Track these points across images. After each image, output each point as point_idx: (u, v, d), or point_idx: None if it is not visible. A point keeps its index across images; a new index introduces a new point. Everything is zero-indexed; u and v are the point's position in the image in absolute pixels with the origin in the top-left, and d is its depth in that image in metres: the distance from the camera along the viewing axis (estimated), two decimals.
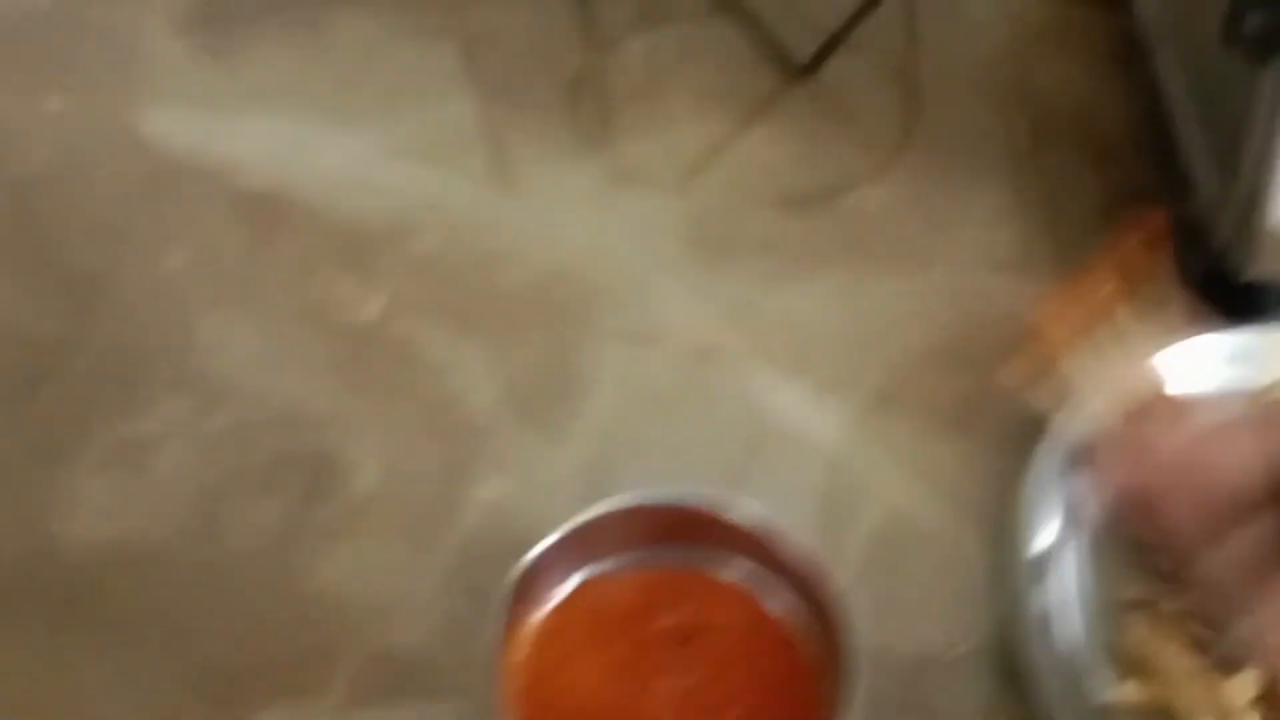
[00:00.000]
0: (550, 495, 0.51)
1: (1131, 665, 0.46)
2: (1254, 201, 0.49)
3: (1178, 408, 0.45)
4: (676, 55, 0.69)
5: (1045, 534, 0.48)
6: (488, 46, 0.70)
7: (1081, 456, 0.48)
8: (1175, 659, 0.46)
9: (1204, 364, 0.50)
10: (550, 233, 0.61)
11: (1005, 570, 0.49)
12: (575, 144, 0.65)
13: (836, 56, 0.68)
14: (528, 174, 0.64)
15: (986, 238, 0.61)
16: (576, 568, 0.46)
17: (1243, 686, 0.45)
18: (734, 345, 0.56)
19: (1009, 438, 0.52)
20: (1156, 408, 0.44)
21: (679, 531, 0.46)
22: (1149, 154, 0.61)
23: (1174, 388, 0.48)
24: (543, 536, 0.45)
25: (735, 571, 0.47)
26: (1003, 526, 0.49)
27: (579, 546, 0.46)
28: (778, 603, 0.46)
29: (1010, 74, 0.68)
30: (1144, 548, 0.47)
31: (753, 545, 0.46)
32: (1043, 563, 0.48)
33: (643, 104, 0.69)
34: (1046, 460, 0.49)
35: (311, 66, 0.69)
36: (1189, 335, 0.50)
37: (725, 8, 0.68)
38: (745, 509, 0.46)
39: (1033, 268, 0.59)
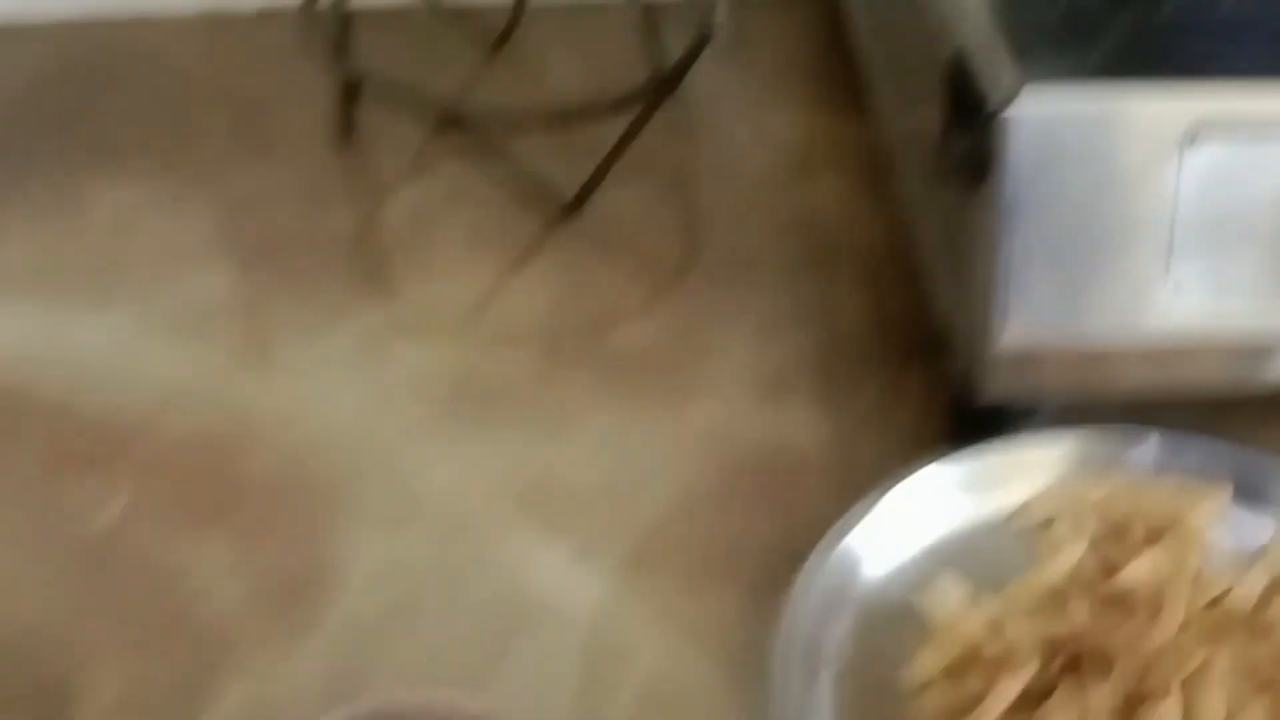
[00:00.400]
0: (295, 702, 0.48)
1: None
2: (983, 324, 0.49)
3: None
4: (444, 204, 0.69)
5: (799, 684, 0.47)
6: (248, 210, 0.69)
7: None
8: None
9: (939, 493, 0.50)
10: (306, 407, 0.59)
11: None
12: (336, 306, 0.63)
13: (604, 190, 0.68)
14: (286, 345, 0.62)
15: (752, 367, 0.60)
16: None
17: None
18: (493, 515, 0.54)
19: (774, 582, 0.50)
20: None
21: None
22: (907, 274, 0.61)
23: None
24: None
25: None
26: (763, 678, 0.48)
27: None
28: None
29: (776, 197, 0.68)
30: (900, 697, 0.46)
31: None
32: (799, 714, 0.46)
33: (409, 257, 0.67)
34: (799, 608, 0.48)
35: (63, 245, 0.67)
36: (922, 463, 0.50)
37: (489, 152, 0.67)
38: (488, 710, 0.44)
39: (796, 396, 0.59)
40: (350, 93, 0.70)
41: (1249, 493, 0.49)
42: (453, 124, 0.64)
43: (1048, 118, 0.44)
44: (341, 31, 0.70)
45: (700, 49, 0.68)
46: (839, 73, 0.74)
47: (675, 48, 0.72)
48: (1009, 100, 0.44)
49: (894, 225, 0.64)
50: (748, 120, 0.73)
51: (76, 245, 0.66)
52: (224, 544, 0.53)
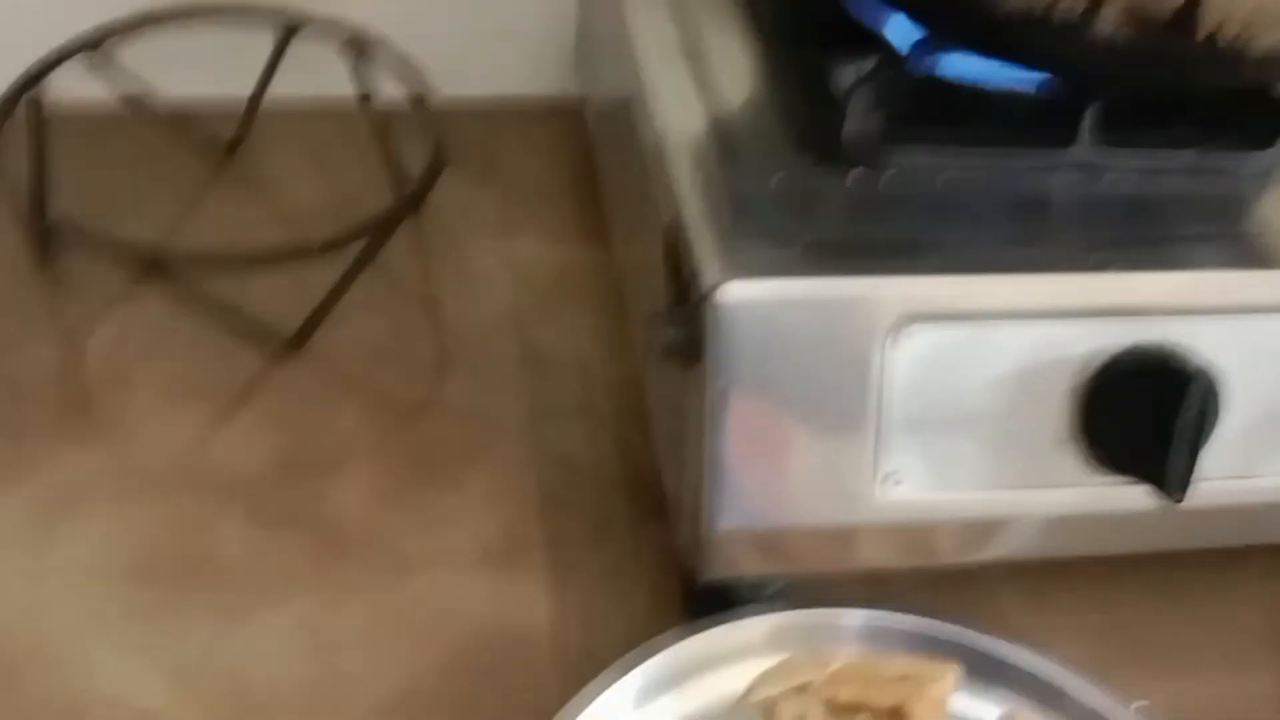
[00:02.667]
0: None
1: None
2: (696, 504, 0.46)
3: None
4: (150, 344, 0.62)
5: None
6: None
7: None
8: None
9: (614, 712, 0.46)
10: None
11: None
12: (14, 463, 0.57)
13: (332, 324, 0.63)
14: None
15: (475, 531, 0.55)
16: None
17: None
18: (178, 705, 0.49)
19: None
20: None
21: None
22: (642, 428, 0.58)
23: None
24: None
25: None
26: None
27: None
28: None
29: (519, 334, 0.65)
30: None
31: None
32: None
33: (104, 407, 0.60)
34: None
35: None
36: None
37: (200, 290, 0.61)
38: None
39: (527, 563, 0.54)
40: (44, 237, 0.63)
41: (972, 671, 0.48)
42: (155, 268, 0.58)
43: (755, 305, 0.42)
44: (37, 156, 0.64)
45: (435, 175, 0.64)
46: (589, 198, 0.71)
47: (420, 163, 0.69)
48: (714, 288, 0.42)
49: (637, 374, 0.61)
50: (497, 247, 0.69)
51: None
52: None
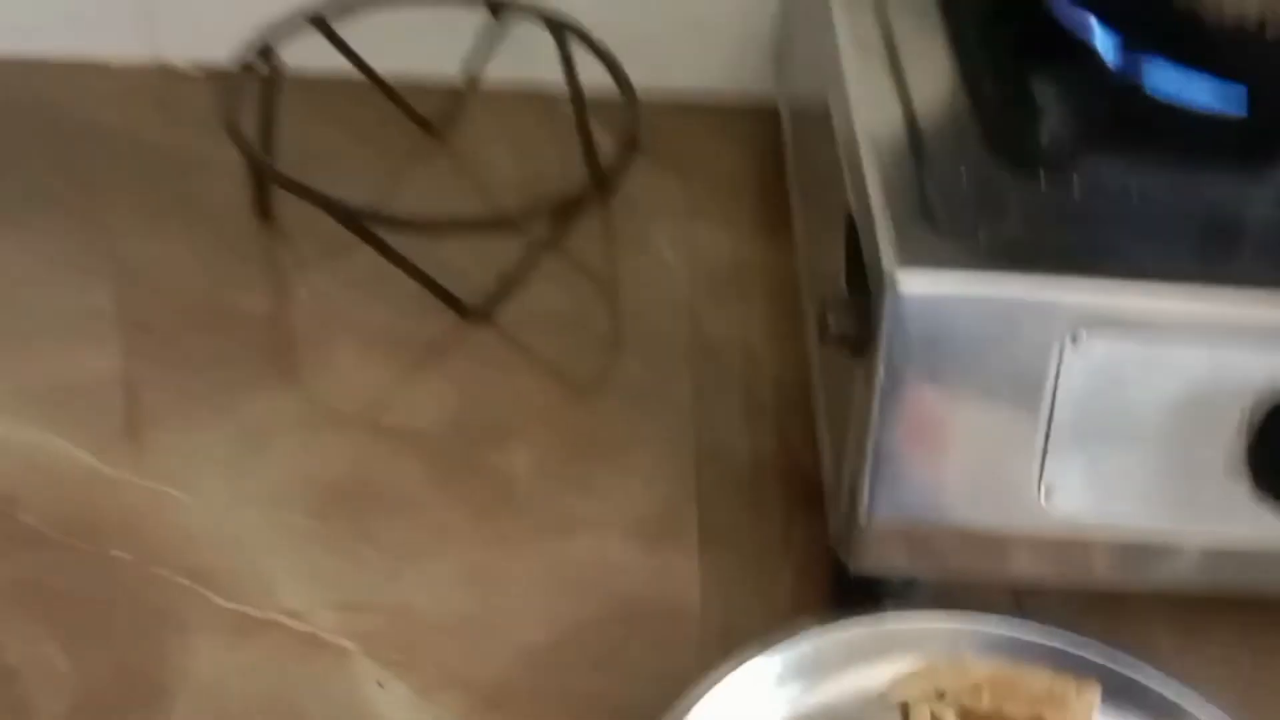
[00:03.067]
0: None
1: None
2: (854, 497, 0.47)
3: None
4: (354, 296, 0.66)
5: None
6: (146, 281, 0.67)
7: None
8: None
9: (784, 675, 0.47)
10: (168, 505, 0.56)
11: None
12: (224, 393, 0.61)
13: (518, 297, 0.66)
14: (159, 433, 0.60)
15: (634, 503, 0.58)
16: None
17: None
18: (344, 635, 0.52)
19: None
20: None
21: None
22: (809, 423, 0.59)
23: None
24: None
25: None
26: None
27: None
28: None
29: (693, 320, 0.66)
30: None
31: None
32: None
33: (308, 348, 0.65)
34: None
35: None
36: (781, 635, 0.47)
37: (404, 248, 0.65)
38: None
39: (679, 540, 0.56)
40: (264, 182, 0.68)
41: (1112, 693, 0.47)
42: (364, 227, 0.62)
43: (931, 297, 0.43)
44: (266, 113, 0.69)
45: (624, 162, 0.66)
46: (778, 197, 0.72)
47: (610, 145, 0.72)
48: (890, 278, 0.43)
49: (794, 366, 0.62)
50: (679, 236, 0.71)
51: None
52: (61, 647, 0.51)
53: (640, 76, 0.70)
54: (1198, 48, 0.45)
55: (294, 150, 0.69)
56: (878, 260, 0.44)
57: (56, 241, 0.68)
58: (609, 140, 0.72)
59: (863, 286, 0.46)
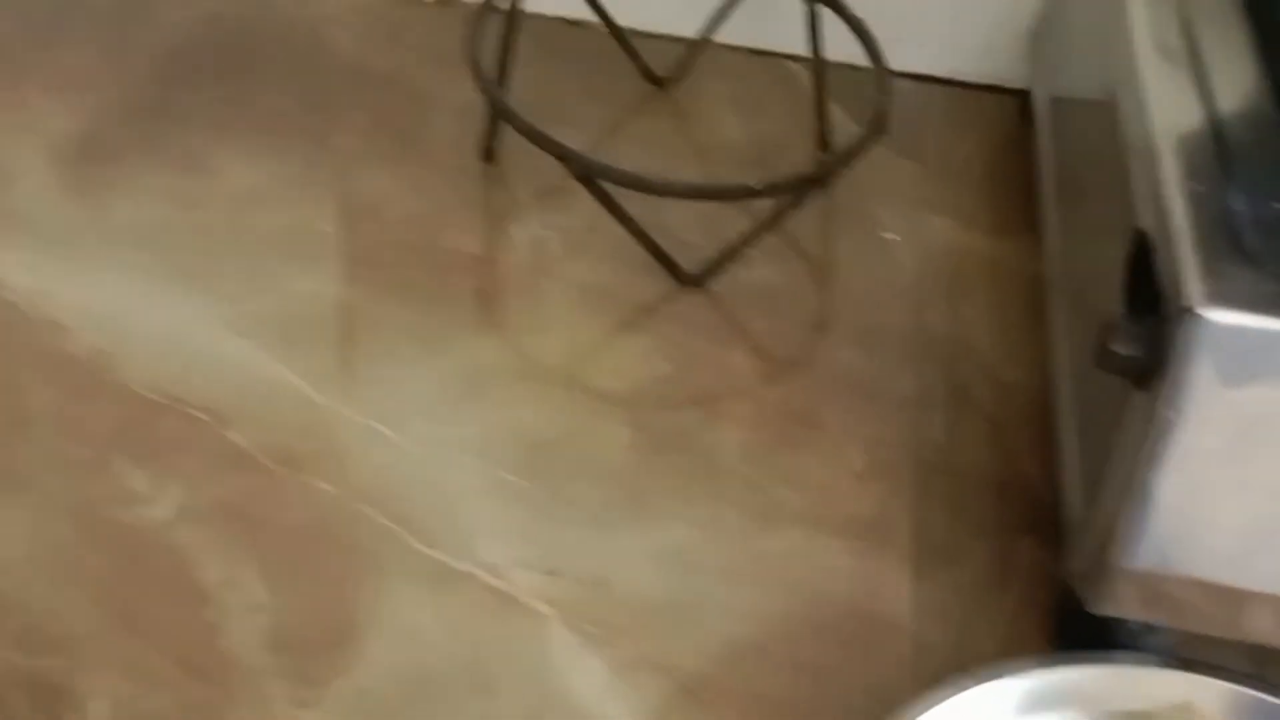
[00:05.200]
0: None
1: None
2: (1110, 534, 0.44)
3: None
4: (571, 248, 0.65)
5: None
6: (374, 213, 0.66)
7: None
8: None
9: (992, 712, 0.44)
10: (376, 442, 0.56)
11: None
12: (440, 332, 0.60)
13: (736, 266, 0.64)
14: (372, 371, 0.59)
15: (845, 501, 0.55)
16: None
17: None
18: (541, 598, 0.50)
19: None
20: None
21: None
22: (1041, 434, 0.56)
23: None
24: None
25: None
26: None
27: None
28: None
29: (916, 312, 0.63)
30: None
31: None
32: None
33: (523, 296, 0.64)
34: None
35: (178, 216, 0.65)
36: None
37: (624, 205, 0.63)
38: None
39: (892, 548, 0.53)
40: (496, 124, 0.67)
41: None
42: (595, 180, 0.60)
43: (1237, 336, 0.39)
44: (504, 51, 0.67)
45: (870, 141, 0.63)
46: (1016, 189, 0.68)
47: (845, 124, 0.68)
48: (1192, 307, 0.39)
49: (1038, 374, 0.58)
50: (906, 221, 0.67)
51: (193, 218, 0.64)
52: (258, 574, 0.50)
53: (885, 53, 0.66)
54: None
55: (524, 91, 0.67)
56: (1179, 285, 0.40)
57: (286, 162, 0.67)
58: (840, 116, 0.69)
59: (1149, 309, 0.42)
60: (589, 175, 0.61)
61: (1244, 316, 0.39)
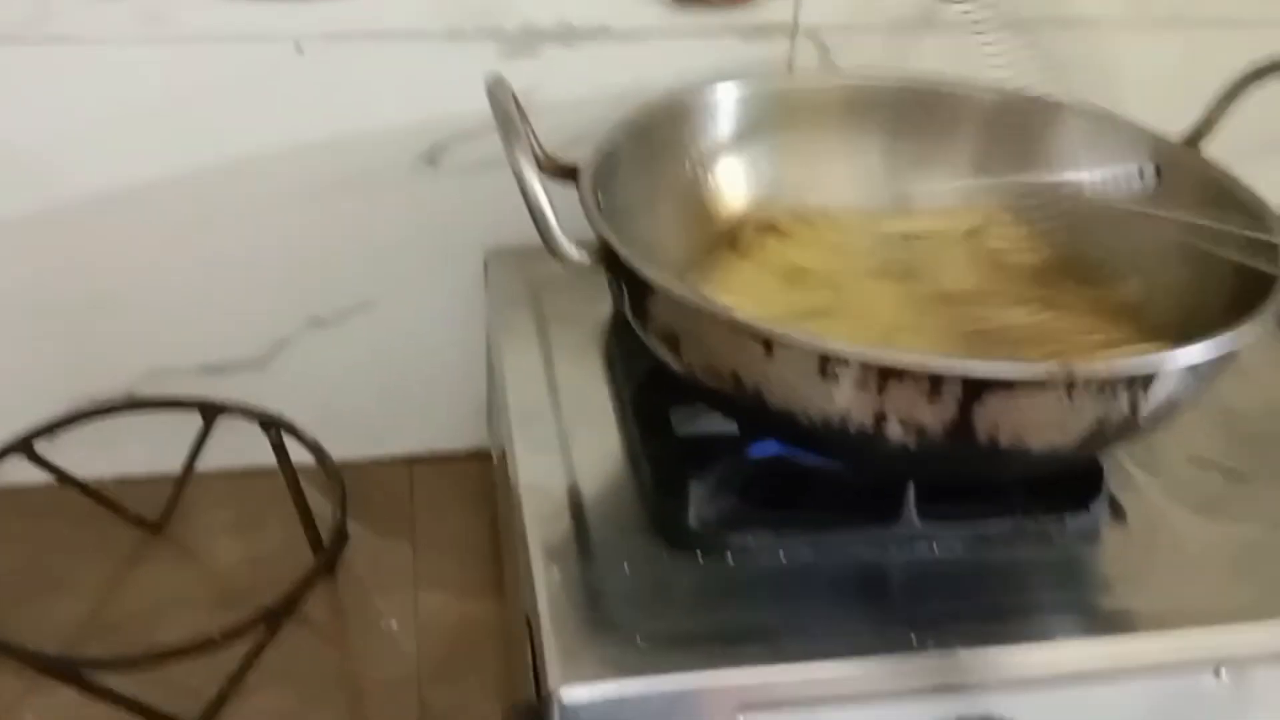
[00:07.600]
0: None
1: None
2: None
3: None
4: None
5: None
6: None
7: None
8: None
9: None
10: None
11: None
12: None
13: (240, 700, 0.64)
14: None
15: None
16: None
17: None
18: None
19: None
20: None
21: None
22: None
23: None
24: None
25: None
26: None
27: None
28: None
29: (414, 695, 0.66)
30: None
31: None
32: None
33: None
34: None
35: None
36: None
37: (103, 691, 0.62)
38: None
39: None
40: None
41: None
42: (62, 673, 0.60)
43: (594, 707, 0.44)
44: None
45: (336, 551, 0.67)
46: (496, 551, 0.74)
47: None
48: (555, 692, 0.44)
49: None
50: (401, 607, 0.71)
51: None
52: None
53: (358, 445, 0.71)
54: (797, 436, 0.49)
55: (7, 569, 0.67)
56: (544, 671, 0.45)
57: None
58: (327, 513, 0.73)
59: (539, 688, 0.47)
60: (57, 669, 0.60)
61: (595, 687, 0.45)
